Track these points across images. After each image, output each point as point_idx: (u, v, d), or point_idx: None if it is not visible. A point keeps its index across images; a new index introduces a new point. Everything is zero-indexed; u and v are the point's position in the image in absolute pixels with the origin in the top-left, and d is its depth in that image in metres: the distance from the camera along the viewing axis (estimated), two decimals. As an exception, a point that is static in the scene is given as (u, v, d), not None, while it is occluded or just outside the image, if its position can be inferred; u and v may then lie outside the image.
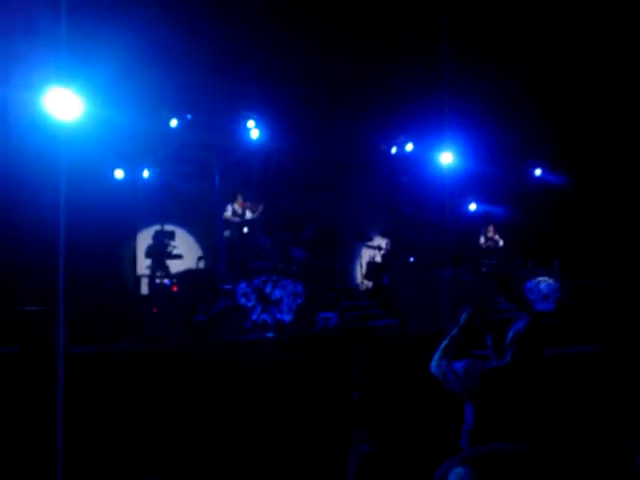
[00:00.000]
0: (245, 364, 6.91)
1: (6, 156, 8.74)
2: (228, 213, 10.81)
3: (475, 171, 12.98)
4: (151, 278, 10.61)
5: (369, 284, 12.64)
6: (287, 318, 9.63)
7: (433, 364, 4.05)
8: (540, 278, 12.04)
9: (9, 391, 5.92)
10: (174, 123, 10.68)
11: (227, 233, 10.77)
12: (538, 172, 13.95)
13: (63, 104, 8.12)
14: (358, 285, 13.28)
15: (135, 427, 5.95)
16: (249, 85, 10.56)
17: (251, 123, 11.21)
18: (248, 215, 10.97)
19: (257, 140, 11.35)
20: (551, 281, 12.04)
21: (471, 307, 4.11)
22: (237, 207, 10.89)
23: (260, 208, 11.00)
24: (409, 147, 13.14)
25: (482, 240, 13.22)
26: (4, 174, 8.78)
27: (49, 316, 6.97)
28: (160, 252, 10.66)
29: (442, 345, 4.09)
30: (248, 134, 11.26)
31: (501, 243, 13.08)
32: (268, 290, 9.62)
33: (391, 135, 13.12)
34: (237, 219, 10.80)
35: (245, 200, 11.01)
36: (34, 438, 5.36)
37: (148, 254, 10.83)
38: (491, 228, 13.15)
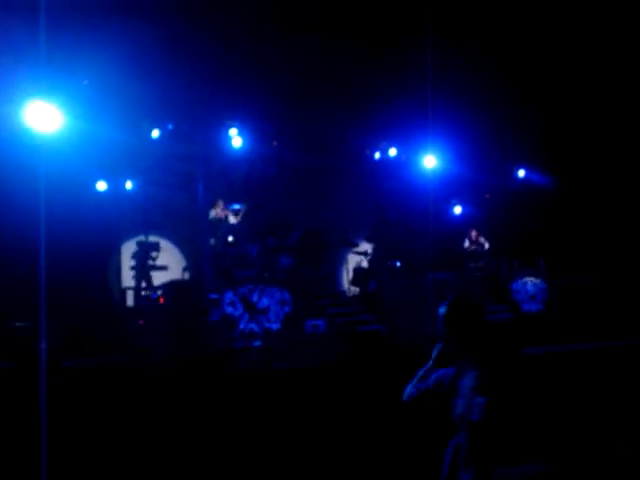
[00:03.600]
0: (234, 372, 6.88)
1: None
2: (211, 216, 10.87)
3: (459, 174, 13.00)
4: (136, 290, 10.55)
5: (356, 290, 12.62)
6: (275, 326, 9.59)
7: (406, 393, 3.93)
8: (526, 278, 12.06)
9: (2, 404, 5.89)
10: (155, 134, 10.62)
11: (212, 241, 10.76)
12: (522, 173, 13.99)
13: (43, 117, 8.05)
14: (345, 291, 13.25)
15: (126, 438, 5.91)
16: (230, 93, 10.52)
17: (233, 131, 11.16)
18: (232, 220, 10.98)
19: (240, 148, 11.31)
20: (538, 281, 12.06)
21: (442, 339, 4.00)
22: (219, 212, 10.92)
23: (243, 210, 11.03)
24: (392, 152, 13.15)
25: (467, 244, 13.25)
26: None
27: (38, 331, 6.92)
28: (143, 264, 10.61)
29: (418, 374, 3.99)
30: (230, 142, 11.21)
31: (487, 246, 13.11)
32: (255, 299, 9.57)
33: (374, 140, 13.12)
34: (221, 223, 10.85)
35: (226, 205, 11.03)
36: (21, 451, 5.31)
37: (132, 266, 10.80)
38: (474, 232, 13.19)
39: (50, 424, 4.95)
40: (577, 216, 12.92)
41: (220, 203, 10.97)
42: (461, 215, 14.04)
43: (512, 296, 11.98)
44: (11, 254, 8.73)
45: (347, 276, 13.21)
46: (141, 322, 9.63)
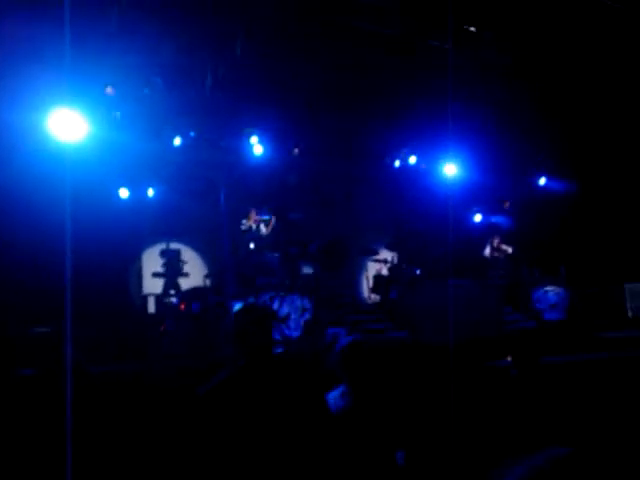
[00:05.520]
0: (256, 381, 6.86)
1: (11, 178, 8.76)
2: (244, 227, 10.90)
3: (479, 182, 12.98)
4: (158, 297, 10.61)
5: (376, 298, 12.61)
6: (295, 334, 9.57)
7: None
8: (548, 287, 11.95)
9: (26, 413, 5.91)
10: (177, 141, 10.69)
11: (252, 245, 10.80)
12: (542, 181, 13.94)
13: (67, 125, 8.13)
14: (365, 299, 13.24)
15: (145, 446, 5.91)
16: (251, 101, 10.58)
17: (254, 139, 11.22)
18: (263, 230, 11.00)
19: (261, 156, 11.36)
20: (559, 289, 11.94)
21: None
22: (251, 223, 10.93)
23: (273, 221, 11.06)
24: (412, 159, 13.16)
25: (487, 251, 13.19)
26: (9, 196, 8.79)
27: (60, 337, 6.96)
28: (173, 271, 10.67)
29: None
30: (252, 150, 11.27)
31: (510, 251, 13.04)
32: (275, 306, 9.58)
33: (394, 148, 13.14)
34: (254, 234, 10.89)
35: (257, 214, 11.05)
36: (47, 458, 5.33)
37: (160, 274, 10.84)
38: (497, 239, 13.13)
39: (74, 431, 4.97)
40: (599, 223, 12.83)
41: (253, 213, 10.99)
42: (482, 223, 14.00)
43: (533, 305, 11.87)
44: (36, 262, 8.81)
45: (367, 284, 13.21)
46: (162, 329, 9.68)
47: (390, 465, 3.56)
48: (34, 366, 7.26)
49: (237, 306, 3.74)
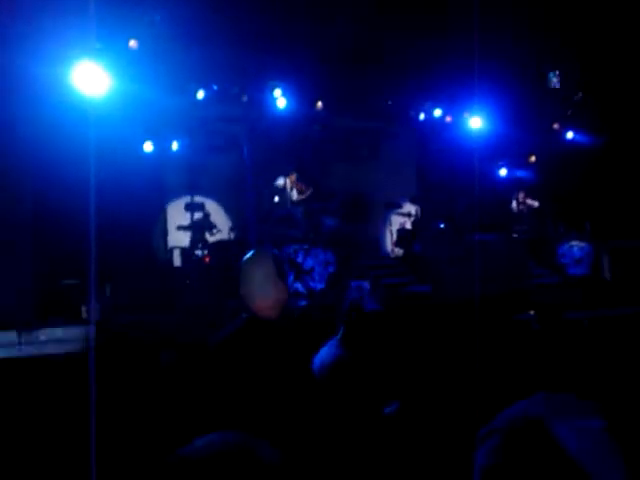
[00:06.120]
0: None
1: (36, 132, 8.80)
2: (277, 184, 10.90)
3: (505, 135, 12.85)
4: (184, 250, 10.70)
5: (400, 251, 12.62)
6: (319, 286, 9.66)
7: None
8: (573, 242, 11.88)
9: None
10: (201, 95, 10.66)
11: (277, 199, 10.85)
12: (570, 135, 13.76)
13: (91, 79, 8.14)
14: (388, 253, 13.27)
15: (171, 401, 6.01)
16: (274, 54, 10.49)
17: (277, 92, 11.15)
18: (294, 194, 10.99)
19: (284, 109, 11.30)
20: (584, 244, 11.86)
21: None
22: (288, 182, 10.91)
23: (309, 192, 11.02)
24: (437, 112, 13.03)
25: (514, 205, 13.12)
26: (34, 151, 8.84)
27: (87, 289, 7.09)
28: (200, 225, 10.73)
29: None
30: (275, 103, 11.21)
31: (536, 205, 12.97)
32: (300, 259, 9.65)
33: (419, 101, 13.01)
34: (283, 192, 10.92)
35: (298, 180, 11.02)
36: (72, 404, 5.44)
37: (185, 227, 10.90)
38: (522, 194, 13.05)
39: (99, 384, 5.06)
40: (625, 179, 12.67)
41: (294, 176, 10.98)
42: (507, 177, 13.90)
43: (558, 260, 11.82)
44: (62, 215, 8.89)
45: (391, 238, 13.23)
46: (188, 282, 9.78)
47: (378, 416, 3.59)
48: (63, 317, 7.43)
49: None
